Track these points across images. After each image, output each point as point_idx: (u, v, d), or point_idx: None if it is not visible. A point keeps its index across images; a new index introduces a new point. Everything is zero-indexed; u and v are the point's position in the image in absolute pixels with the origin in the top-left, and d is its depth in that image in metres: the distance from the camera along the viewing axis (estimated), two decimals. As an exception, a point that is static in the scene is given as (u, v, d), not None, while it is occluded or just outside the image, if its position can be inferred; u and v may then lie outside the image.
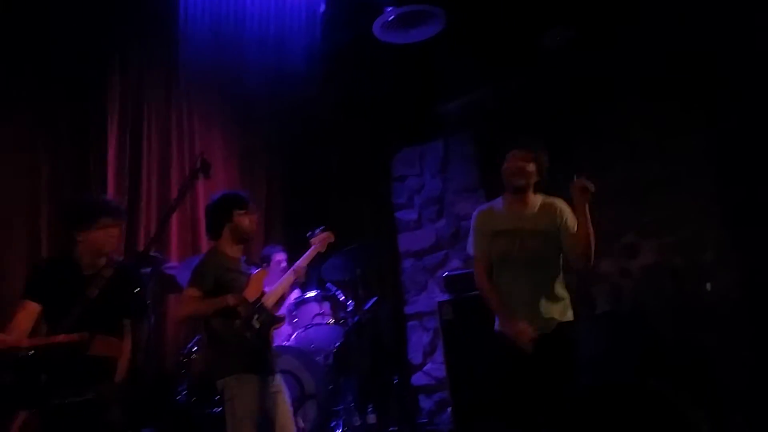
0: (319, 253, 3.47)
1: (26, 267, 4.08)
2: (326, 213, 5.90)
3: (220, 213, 3.13)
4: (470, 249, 3.18)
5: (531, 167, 3.02)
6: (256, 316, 3.04)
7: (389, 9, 4.58)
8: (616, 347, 4.25)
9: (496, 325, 3.02)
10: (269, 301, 3.14)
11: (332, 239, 3.53)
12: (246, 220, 3.12)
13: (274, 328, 3.18)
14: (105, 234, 2.94)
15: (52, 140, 4.52)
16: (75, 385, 2.75)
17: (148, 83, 5.12)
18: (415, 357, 5.65)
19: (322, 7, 5.21)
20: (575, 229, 2.96)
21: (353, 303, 4.77)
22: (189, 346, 4.16)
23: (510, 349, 2.89)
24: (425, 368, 5.57)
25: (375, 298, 5.04)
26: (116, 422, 2.91)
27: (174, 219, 4.85)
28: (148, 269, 4.00)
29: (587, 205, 2.90)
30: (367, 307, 4.94)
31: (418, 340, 5.69)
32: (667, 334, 4.22)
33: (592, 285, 4.81)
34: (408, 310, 5.83)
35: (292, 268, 3.31)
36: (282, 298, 3.32)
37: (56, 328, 2.84)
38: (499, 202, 3.16)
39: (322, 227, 3.57)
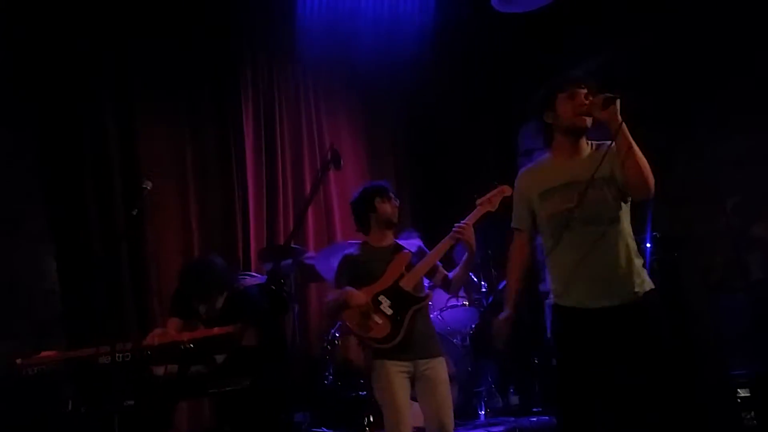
0: (490, 213, 3.09)
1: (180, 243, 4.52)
2: (455, 194, 5.85)
3: (363, 205, 3.18)
4: (513, 222, 2.63)
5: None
6: (387, 303, 2.98)
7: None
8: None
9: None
10: (409, 282, 3.03)
11: (508, 192, 3.01)
12: (387, 207, 3.14)
13: (415, 309, 2.95)
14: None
15: (195, 128, 4.84)
16: (231, 375, 2.94)
17: (276, 76, 5.35)
18: (555, 335, 5.49)
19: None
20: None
21: (486, 284, 4.72)
22: (332, 331, 4.31)
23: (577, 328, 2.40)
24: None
25: (509, 278, 4.95)
26: (270, 408, 3.09)
27: (309, 210, 5.04)
28: (289, 261, 4.25)
29: (620, 121, 2.32)
30: (501, 287, 4.86)
31: (556, 317, 5.52)
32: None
33: (744, 251, 4.44)
34: (543, 287, 5.67)
35: (450, 233, 3.05)
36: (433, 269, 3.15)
37: None
38: (545, 158, 2.60)
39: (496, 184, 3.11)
